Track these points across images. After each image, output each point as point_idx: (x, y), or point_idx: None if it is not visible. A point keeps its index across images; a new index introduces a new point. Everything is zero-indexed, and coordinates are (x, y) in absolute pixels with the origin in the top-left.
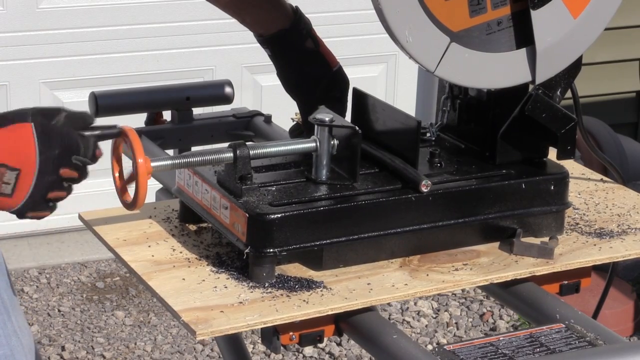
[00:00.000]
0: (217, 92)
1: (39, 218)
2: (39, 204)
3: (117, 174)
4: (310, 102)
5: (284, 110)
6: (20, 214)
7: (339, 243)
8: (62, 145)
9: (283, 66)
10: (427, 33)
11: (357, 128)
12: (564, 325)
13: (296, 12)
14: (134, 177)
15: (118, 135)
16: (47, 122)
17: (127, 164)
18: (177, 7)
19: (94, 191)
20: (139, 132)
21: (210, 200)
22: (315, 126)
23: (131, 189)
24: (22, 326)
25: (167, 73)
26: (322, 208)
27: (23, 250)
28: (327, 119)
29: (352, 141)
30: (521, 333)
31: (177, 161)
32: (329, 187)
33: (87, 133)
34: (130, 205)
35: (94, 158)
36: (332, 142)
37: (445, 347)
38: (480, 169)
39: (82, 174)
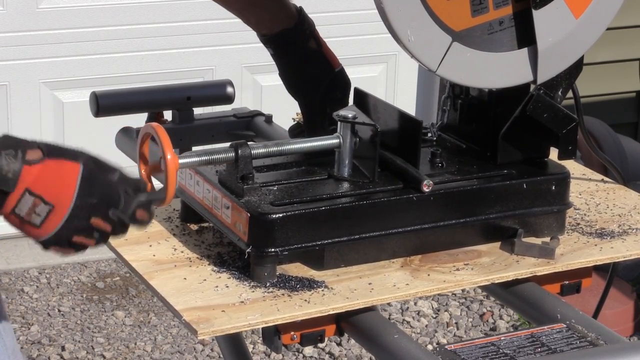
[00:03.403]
0: (218, 92)
1: (62, 255)
2: (63, 243)
3: (143, 172)
4: (311, 103)
5: (284, 110)
6: (44, 246)
7: (341, 243)
8: (101, 195)
9: (285, 66)
10: (429, 32)
11: (377, 126)
12: (565, 325)
13: (300, 12)
14: (160, 172)
15: (163, 200)
16: (97, 171)
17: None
18: (177, 7)
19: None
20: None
21: (211, 200)
22: (338, 123)
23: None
24: (5, 327)
25: (167, 73)
26: (323, 208)
27: (23, 250)
28: (350, 115)
29: (372, 139)
30: (522, 333)
31: (204, 157)
32: (339, 185)
33: (137, 199)
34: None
35: (134, 218)
36: (354, 139)
37: (446, 346)
38: (482, 169)
39: (117, 229)
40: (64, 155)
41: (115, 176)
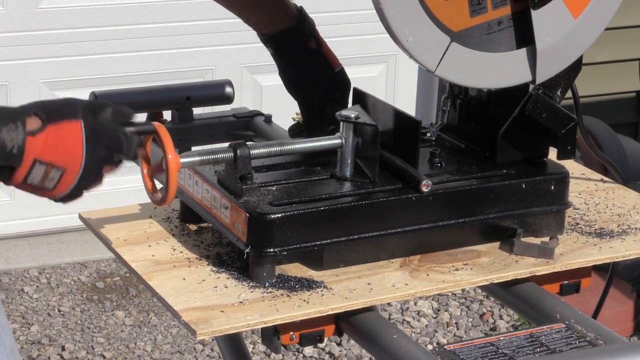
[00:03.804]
0: (217, 92)
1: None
2: (75, 196)
3: (145, 171)
4: (311, 102)
5: (284, 110)
6: (59, 201)
7: (340, 243)
8: (108, 145)
9: (285, 65)
10: (428, 33)
11: (378, 126)
12: (564, 325)
13: (300, 12)
14: (161, 172)
15: (153, 132)
16: (95, 119)
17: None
18: (177, 7)
19: (95, 191)
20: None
21: (210, 200)
22: (341, 123)
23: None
24: (4, 325)
25: (167, 73)
26: (322, 208)
27: (23, 250)
28: (352, 115)
29: (373, 139)
30: (521, 333)
31: (205, 157)
32: (338, 185)
33: (128, 130)
34: (160, 201)
35: (135, 157)
36: (357, 139)
37: (445, 346)
38: (481, 169)
39: (120, 166)
40: (63, 116)
41: (109, 114)
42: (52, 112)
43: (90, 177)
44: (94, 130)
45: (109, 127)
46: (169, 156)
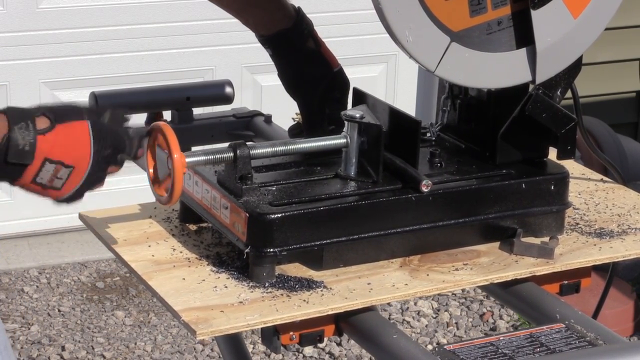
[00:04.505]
0: (217, 92)
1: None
2: (79, 196)
3: (151, 170)
4: (310, 103)
5: (284, 110)
6: (63, 202)
7: (339, 243)
8: (113, 145)
9: (284, 66)
10: (428, 33)
11: (382, 126)
12: (564, 325)
13: (298, 12)
14: (167, 172)
15: (149, 134)
16: (99, 119)
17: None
18: (177, 7)
19: (95, 191)
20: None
21: (210, 200)
22: (345, 122)
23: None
24: None
25: (167, 73)
26: (322, 208)
27: (23, 250)
28: (357, 115)
29: (376, 139)
30: (521, 333)
31: (210, 157)
32: (338, 185)
33: (130, 130)
34: (166, 200)
35: (136, 157)
36: (361, 139)
37: (445, 346)
38: (481, 169)
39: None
40: (70, 117)
41: (108, 115)
42: (60, 113)
43: (96, 176)
44: (100, 130)
45: (113, 128)
46: (175, 155)
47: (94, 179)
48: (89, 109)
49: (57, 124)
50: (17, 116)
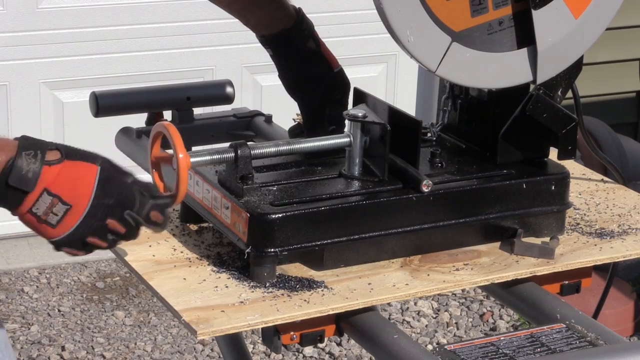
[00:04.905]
0: (217, 92)
1: (72, 255)
2: (76, 243)
3: (155, 171)
4: (311, 103)
5: (284, 110)
6: (57, 246)
7: (340, 243)
8: (118, 196)
9: (284, 66)
10: (429, 33)
11: (387, 125)
12: (564, 325)
13: (299, 13)
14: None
15: (172, 204)
16: (113, 172)
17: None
18: (177, 7)
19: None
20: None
21: (211, 200)
22: (348, 122)
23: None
24: None
25: (167, 73)
26: (323, 208)
27: (23, 250)
28: (360, 114)
29: (381, 138)
30: (522, 333)
31: (215, 156)
32: (340, 185)
33: (146, 198)
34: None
35: (148, 220)
36: (364, 138)
37: (446, 346)
38: (481, 169)
39: (130, 233)
40: (82, 157)
41: (129, 178)
42: (73, 151)
43: (94, 224)
44: (109, 178)
45: (126, 183)
46: (180, 155)
47: (91, 227)
48: (110, 162)
49: (66, 160)
50: (30, 144)
